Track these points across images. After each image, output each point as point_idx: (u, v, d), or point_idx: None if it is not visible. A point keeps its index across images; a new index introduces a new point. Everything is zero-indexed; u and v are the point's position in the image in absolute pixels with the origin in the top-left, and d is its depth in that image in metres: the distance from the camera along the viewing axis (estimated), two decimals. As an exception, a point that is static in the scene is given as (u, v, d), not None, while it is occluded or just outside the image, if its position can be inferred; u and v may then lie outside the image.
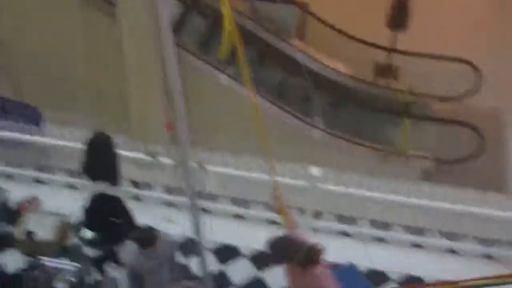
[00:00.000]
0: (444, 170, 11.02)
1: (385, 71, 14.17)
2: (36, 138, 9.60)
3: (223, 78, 11.81)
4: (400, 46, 13.49)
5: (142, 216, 9.19)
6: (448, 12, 14.88)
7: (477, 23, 14.45)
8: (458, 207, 8.89)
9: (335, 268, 8.69)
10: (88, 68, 12.07)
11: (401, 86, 13.44)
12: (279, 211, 6.92)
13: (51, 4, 11.76)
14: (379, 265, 8.53)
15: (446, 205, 8.91)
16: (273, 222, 9.64)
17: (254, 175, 9.14)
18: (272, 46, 12.87)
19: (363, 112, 12.58)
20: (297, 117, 11.42)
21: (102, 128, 9.50)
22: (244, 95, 10.63)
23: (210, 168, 9.15)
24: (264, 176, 9.12)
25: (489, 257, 9.30)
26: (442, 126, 12.06)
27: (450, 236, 9.27)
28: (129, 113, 10.38)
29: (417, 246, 9.42)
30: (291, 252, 5.87)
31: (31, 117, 10.17)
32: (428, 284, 7.98)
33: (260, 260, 9.13)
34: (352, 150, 11.51)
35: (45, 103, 10.64)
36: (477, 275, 8.95)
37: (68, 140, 9.50)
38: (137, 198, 9.86)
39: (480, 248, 9.26)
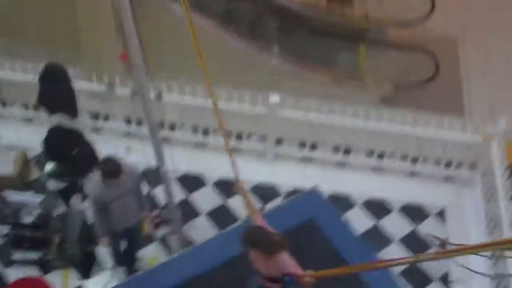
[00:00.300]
0: (401, 95, 11.11)
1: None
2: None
3: (176, 8, 11.59)
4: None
5: (103, 147, 9.11)
6: None
7: None
8: (418, 131, 9.02)
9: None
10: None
11: (357, 12, 13.38)
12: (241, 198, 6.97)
13: None
14: (341, 190, 8.64)
15: (406, 129, 9.02)
16: (233, 149, 9.68)
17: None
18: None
19: (321, 39, 12.53)
20: (255, 44, 11.33)
21: (55, 60, 9.31)
22: (199, 24, 10.56)
23: (168, 97, 9.08)
24: (222, 104, 9.12)
25: (449, 178, 9.55)
26: (399, 52, 12.11)
27: (411, 159, 9.40)
28: (81, 44, 10.14)
29: (379, 169, 9.58)
30: (259, 241, 6.16)
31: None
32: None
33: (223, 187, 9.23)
34: (310, 76, 11.49)
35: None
36: (437, 196, 9.27)
37: (20, 73, 9.25)
38: (96, 129, 9.71)
39: (440, 170, 9.46)
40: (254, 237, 6.21)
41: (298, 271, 6.15)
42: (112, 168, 6.78)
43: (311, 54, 12.02)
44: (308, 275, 5.98)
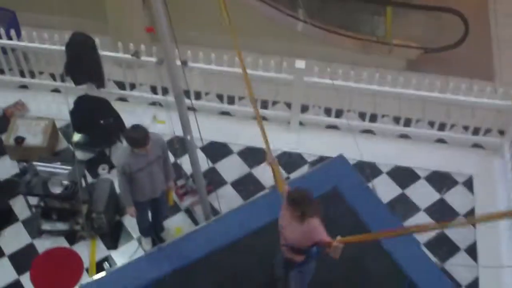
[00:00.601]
0: (429, 59, 10.94)
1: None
2: (17, 42, 9.37)
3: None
4: None
5: (129, 116, 9.18)
6: None
7: None
8: (446, 96, 8.89)
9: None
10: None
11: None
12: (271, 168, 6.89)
13: None
14: (368, 157, 8.59)
15: (434, 95, 8.90)
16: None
17: (237, 69, 9.05)
18: None
19: (347, 2, 12.35)
20: (280, 10, 11.22)
21: (81, 30, 9.33)
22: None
23: (194, 65, 9.06)
24: (248, 71, 9.06)
25: (477, 145, 9.45)
26: (426, 15, 11.89)
27: (438, 125, 9.30)
28: (107, 14, 10.11)
29: (406, 136, 9.51)
30: (303, 200, 6.15)
31: (8, 21, 9.90)
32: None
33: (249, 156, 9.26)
34: (336, 41, 11.36)
35: (18, 5, 10.35)
36: (465, 164, 9.16)
37: (47, 43, 9.29)
38: (123, 99, 9.76)
39: (468, 137, 9.36)
40: (299, 196, 6.17)
41: (328, 238, 6.14)
42: (138, 136, 6.81)
43: (337, 19, 11.85)
44: (337, 241, 5.96)
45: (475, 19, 11.13)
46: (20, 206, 8.48)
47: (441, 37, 11.34)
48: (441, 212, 8.64)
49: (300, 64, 8.84)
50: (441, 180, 9.00)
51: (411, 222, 8.45)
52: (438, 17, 11.79)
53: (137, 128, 6.89)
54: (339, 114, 9.46)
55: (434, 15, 11.77)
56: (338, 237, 5.98)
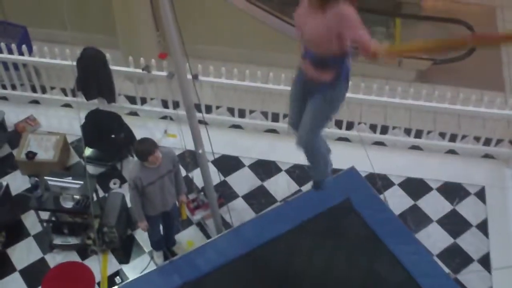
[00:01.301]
0: (439, 70, 10.93)
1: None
2: (28, 58, 9.42)
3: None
4: None
5: (140, 130, 9.21)
6: None
7: None
8: (456, 107, 8.87)
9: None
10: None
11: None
12: None
13: None
14: (379, 169, 8.57)
15: (444, 106, 8.88)
16: (270, 131, 9.70)
17: (248, 83, 9.09)
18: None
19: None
20: (289, 23, 11.25)
21: (92, 44, 9.37)
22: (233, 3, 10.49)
23: (204, 79, 9.08)
24: (258, 84, 9.10)
25: (489, 156, 9.41)
26: (435, 25, 11.89)
27: (449, 136, 9.28)
28: (116, 28, 10.17)
29: (417, 148, 9.49)
30: None
31: (19, 36, 9.95)
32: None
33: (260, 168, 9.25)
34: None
35: (29, 21, 10.42)
36: (476, 175, 9.13)
37: (59, 59, 9.34)
38: (134, 113, 9.79)
39: (480, 148, 9.33)
40: None
41: (366, 36, 4.64)
42: (143, 148, 6.83)
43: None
44: (380, 47, 4.61)
45: (484, 29, 11.13)
46: (31, 221, 8.48)
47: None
48: (454, 223, 8.61)
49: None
50: (453, 191, 8.96)
51: (423, 233, 8.43)
52: (446, 28, 11.81)
53: (143, 141, 6.92)
54: (349, 126, 9.46)
55: (443, 25, 11.79)
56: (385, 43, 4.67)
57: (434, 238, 8.43)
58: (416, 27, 12.19)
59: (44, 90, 9.87)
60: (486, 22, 12.07)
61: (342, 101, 5.45)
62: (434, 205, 8.84)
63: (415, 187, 9.02)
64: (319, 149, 6.00)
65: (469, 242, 8.42)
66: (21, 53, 9.39)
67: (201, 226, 8.54)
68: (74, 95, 9.50)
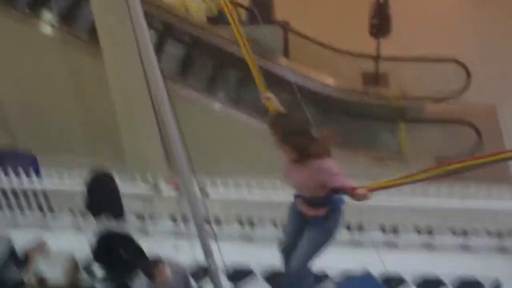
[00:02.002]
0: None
1: (374, 79, 14.24)
2: (37, 187, 9.58)
3: (213, 104, 11.90)
4: (386, 52, 13.57)
5: (151, 248, 9.17)
6: (427, 13, 15.00)
7: (457, 20, 14.58)
8: (466, 203, 8.87)
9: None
10: (76, 109, 12.11)
11: (392, 92, 13.49)
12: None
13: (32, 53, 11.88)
14: (392, 270, 8.46)
15: (454, 203, 8.88)
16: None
17: (258, 195, 9.14)
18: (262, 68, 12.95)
19: (360, 121, 12.59)
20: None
21: (99, 165, 9.50)
22: (235, 118, 10.74)
23: (213, 193, 9.13)
24: (268, 196, 9.13)
25: (502, 249, 9.29)
26: (439, 127, 12.09)
27: (462, 232, 9.23)
28: (124, 149, 10.37)
29: (429, 246, 9.40)
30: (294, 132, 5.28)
31: (29, 164, 10.13)
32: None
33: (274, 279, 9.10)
34: (351, 158, 11.49)
35: (39, 147, 10.66)
36: (492, 268, 9.02)
37: (67, 182, 9.47)
38: (143, 231, 9.81)
39: (493, 242, 9.24)
40: (288, 125, 5.25)
41: (348, 182, 5.25)
42: (150, 268, 6.82)
43: (350, 137, 12.05)
44: (362, 188, 5.18)
45: (486, 125, 11.30)
46: None
47: (455, 147, 11.49)
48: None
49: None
50: (469, 287, 8.81)
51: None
52: (450, 128, 12.00)
53: (154, 260, 6.93)
54: (360, 228, 9.43)
55: (447, 126, 11.99)
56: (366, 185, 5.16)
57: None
58: (421, 131, 12.40)
59: (53, 214, 9.93)
60: (489, 121, 12.28)
61: (337, 231, 5.85)
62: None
63: (430, 285, 8.85)
64: (308, 279, 6.37)
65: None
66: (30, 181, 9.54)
67: None
68: (83, 218, 9.56)
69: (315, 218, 5.69)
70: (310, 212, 5.65)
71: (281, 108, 6.35)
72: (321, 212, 5.60)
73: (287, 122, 5.41)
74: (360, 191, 5.19)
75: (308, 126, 5.55)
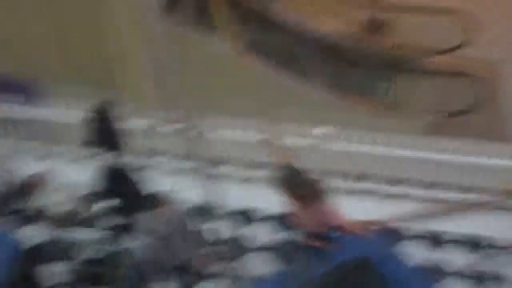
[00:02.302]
0: (445, 124, 10.99)
1: (375, 27, 14.09)
2: (42, 113, 9.49)
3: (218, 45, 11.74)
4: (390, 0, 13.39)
5: (151, 184, 9.15)
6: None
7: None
8: (469, 159, 8.88)
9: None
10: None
11: (393, 42, 13.36)
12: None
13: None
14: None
15: (457, 158, 8.89)
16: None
17: (258, 136, 9.07)
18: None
19: (357, 70, 12.50)
20: (292, 78, 11.36)
21: (98, 99, 9.41)
22: (240, 60, 10.60)
23: (214, 133, 9.09)
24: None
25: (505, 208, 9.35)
26: (439, 79, 12.02)
27: (463, 189, 9.25)
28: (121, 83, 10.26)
29: (430, 200, 9.40)
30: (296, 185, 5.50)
31: (30, 91, 10.03)
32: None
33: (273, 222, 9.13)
34: (350, 108, 11.44)
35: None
36: (493, 226, 9.08)
37: (69, 113, 9.38)
38: (144, 167, 9.75)
39: (495, 200, 9.25)
40: (291, 181, 5.52)
41: (345, 221, 5.51)
42: (156, 202, 6.82)
43: (349, 85, 11.98)
44: (360, 225, 5.47)
45: (488, 83, 11.25)
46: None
47: (455, 101, 11.44)
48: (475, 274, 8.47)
49: (318, 130, 8.85)
50: (471, 243, 8.84)
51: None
52: (451, 81, 11.95)
53: (153, 195, 6.97)
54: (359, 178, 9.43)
55: (448, 79, 11.94)
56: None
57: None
58: (420, 82, 12.34)
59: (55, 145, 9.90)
60: (491, 76, 12.22)
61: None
62: (453, 257, 8.72)
63: (432, 239, 8.89)
64: None
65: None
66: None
67: (214, 280, 8.33)
68: (85, 149, 9.50)
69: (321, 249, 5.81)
70: (316, 244, 5.71)
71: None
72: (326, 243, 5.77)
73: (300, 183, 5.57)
74: (354, 226, 5.56)
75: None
